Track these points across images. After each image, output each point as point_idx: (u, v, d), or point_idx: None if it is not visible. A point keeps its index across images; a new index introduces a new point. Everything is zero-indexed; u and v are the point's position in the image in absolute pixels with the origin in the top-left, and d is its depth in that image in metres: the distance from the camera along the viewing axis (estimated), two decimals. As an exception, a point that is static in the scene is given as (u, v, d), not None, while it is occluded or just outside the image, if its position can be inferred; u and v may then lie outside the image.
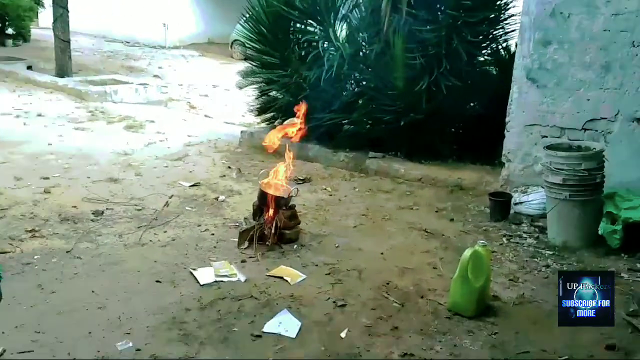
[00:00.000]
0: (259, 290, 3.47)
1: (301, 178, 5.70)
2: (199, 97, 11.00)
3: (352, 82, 6.61)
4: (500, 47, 6.34)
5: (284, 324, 3.11)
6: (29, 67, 11.21)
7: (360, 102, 6.39)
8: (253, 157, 6.56)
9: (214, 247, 4.08)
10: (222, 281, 3.56)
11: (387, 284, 3.63)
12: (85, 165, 5.84)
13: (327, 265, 3.87)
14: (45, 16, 15.60)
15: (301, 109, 4.57)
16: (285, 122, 4.70)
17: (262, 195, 4.28)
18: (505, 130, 5.16)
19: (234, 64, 13.67)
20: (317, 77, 6.17)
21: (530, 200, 4.82)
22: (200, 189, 5.33)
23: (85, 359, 2.77)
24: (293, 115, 4.74)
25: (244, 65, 7.55)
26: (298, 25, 6.76)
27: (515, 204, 4.89)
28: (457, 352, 2.97)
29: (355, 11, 6.43)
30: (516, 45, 5.18)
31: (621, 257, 4.08)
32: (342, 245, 4.22)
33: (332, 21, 6.39)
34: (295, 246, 4.14)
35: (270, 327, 3.09)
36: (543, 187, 4.53)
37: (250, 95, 7.66)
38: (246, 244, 4.07)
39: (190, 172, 5.89)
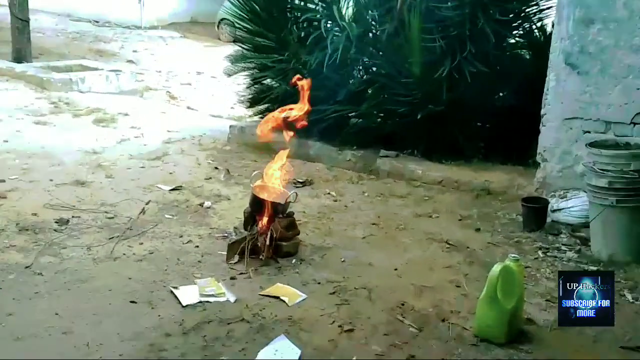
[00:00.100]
0: (251, 312, 3.47)
1: (301, 181, 5.71)
2: (181, 85, 11.02)
3: (360, 68, 6.62)
4: (534, 27, 6.34)
5: (281, 352, 3.10)
6: (-20, 51, 11.24)
7: (369, 91, 6.40)
8: (244, 156, 6.56)
9: (199, 261, 4.08)
10: (208, 302, 3.55)
11: (402, 305, 3.62)
12: (48, 165, 5.85)
13: (331, 283, 3.86)
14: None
15: (304, 83, 4.44)
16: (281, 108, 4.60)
17: (255, 201, 4.28)
18: (541, 125, 5.16)
19: (221, 47, 13.70)
20: (319, 62, 6.18)
21: (570, 206, 4.81)
22: (182, 194, 5.33)
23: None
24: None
25: (233, 49, 7.56)
26: (297, 1, 6.77)
27: (553, 211, 4.88)
28: (485, 385, 2.97)
29: (364, -15, 6.46)
30: (553, 25, 5.19)
31: (677, 273, 4.08)
32: (348, 260, 4.21)
33: (336, -3, 6.41)
34: (293, 261, 4.14)
35: (264, 355, 3.08)
36: (585, 192, 4.52)
37: (240, 83, 7.67)
38: (236, 258, 4.06)
39: (171, 173, 5.89)
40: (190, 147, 6.84)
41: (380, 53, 6.33)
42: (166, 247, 4.26)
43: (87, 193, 5.19)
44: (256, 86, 7.23)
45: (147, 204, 4.98)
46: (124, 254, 4.12)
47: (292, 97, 4.80)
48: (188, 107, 9.36)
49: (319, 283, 3.86)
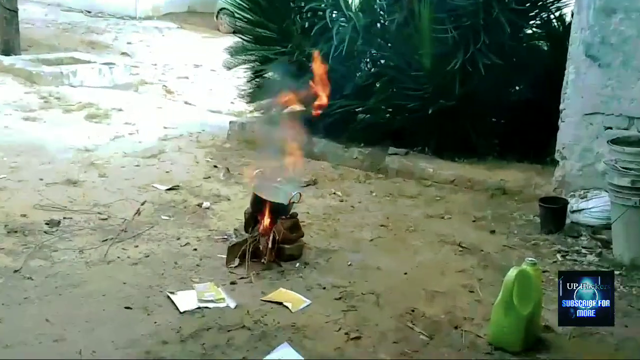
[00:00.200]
0: (252, 318, 3.47)
1: (305, 180, 5.71)
2: (177, 79, 11.03)
3: (368, 60, 6.62)
4: (552, 16, 6.34)
5: (284, 361, 3.11)
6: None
7: (377, 85, 6.41)
8: (245, 153, 6.57)
9: (197, 265, 4.09)
10: (206, 307, 3.56)
11: (412, 311, 3.62)
12: (38, 164, 5.87)
13: (337, 288, 3.87)
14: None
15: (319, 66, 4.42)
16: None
17: (257, 201, 4.29)
18: (560, 121, 5.16)
19: (220, 39, 13.71)
20: (324, 54, 6.18)
21: (591, 207, 4.80)
22: (179, 194, 5.35)
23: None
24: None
25: (232, 40, 7.57)
26: (300, -10, 6.78)
27: (572, 212, 4.88)
28: (500, 396, 2.97)
29: (371, -28, 6.46)
30: (572, 15, 5.17)
31: None
32: (355, 263, 4.22)
33: (342, -15, 6.41)
34: (297, 264, 4.15)
35: (267, 364, 3.09)
36: (607, 191, 4.52)
37: (240, 77, 7.68)
38: (236, 261, 4.07)
39: (167, 172, 5.91)
40: (188, 145, 6.85)
41: (389, 44, 6.33)
42: (163, 250, 4.27)
43: (79, 193, 5.20)
44: (257, 80, 7.23)
45: (142, 204, 4.99)
46: (118, 257, 4.13)
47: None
48: (185, 102, 9.38)
49: (324, 288, 3.86)
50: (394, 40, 6.24)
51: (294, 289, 3.82)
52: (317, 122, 5.68)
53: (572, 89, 5.05)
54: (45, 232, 4.43)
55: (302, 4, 6.83)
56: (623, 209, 4.27)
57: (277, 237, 4.10)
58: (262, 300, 3.68)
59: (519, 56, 6.08)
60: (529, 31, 6.44)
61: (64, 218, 4.66)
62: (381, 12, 6.43)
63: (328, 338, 3.34)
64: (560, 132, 5.17)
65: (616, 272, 4.13)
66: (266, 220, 4.19)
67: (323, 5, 6.58)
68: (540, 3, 6.25)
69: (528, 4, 6.14)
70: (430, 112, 5.91)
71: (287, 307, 3.60)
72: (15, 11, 10.40)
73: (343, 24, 6.32)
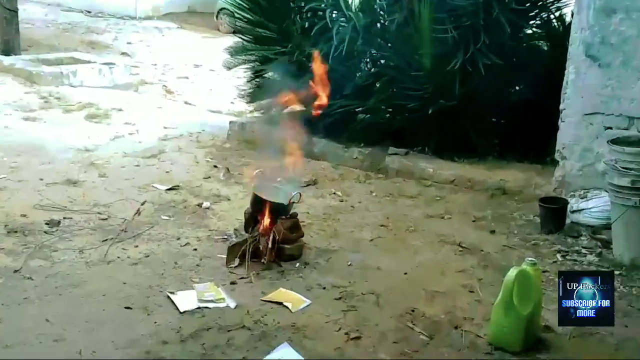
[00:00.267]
0: (252, 318, 3.48)
1: (305, 180, 5.71)
2: (177, 79, 11.03)
3: (368, 60, 6.62)
4: (552, 16, 6.34)
5: (284, 361, 3.12)
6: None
7: (377, 85, 6.41)
8: (244, 153, 6.57)
9: (197, 265, 4.09)
10: (206, 307, 3.56)
11: (412, 311, 3.62)
12: (38, 164, 5.87)
13: (337, 288, 3.87)
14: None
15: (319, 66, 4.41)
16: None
17: (257, 201, 4.29)
18: (560, 121, 5.16)
19: (220, 39, 13.71)
20: (324, 54, 6.18)
21: (591, 207, 4.81)
22: (179, 194, 5.35)
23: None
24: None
25: (232, 40, 7.57)
26: (300, -10, 6.78)
27: (572, 212, 4.88)
28: (500, 396, 2.97)
29: (371, -28, 6.46)
30: (572, 15, 5.17)
31: None
32: (355, 263, 4.22)
33: (342, -15, 6.41)
34: (297, 264, 4.15)
35: (267, 364, 3.09)
36: (607, 191, 4.52)
37: (240, 77, 7.68)
38: (236, 261, 4.08)
39: (167, 172, 5.91)
40: (188, 145, 6.85)
41: (389, 44, 6.33)
42: (163, 250, 4.27)
43: (79, 193, 5.20)
44: (257, 80, 7.23)
45: (142, 204, 4.99)
46: (118, 257, 4.13)
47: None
48: (185, 102, 9.38)
49: (324, 288, 3.87)
50: (394, 41, 6.24)
51: (294, 289, 3.82)
52: (317, 122, 5.68)
53: (572, 89, 5.05)
54: (45, 232, 4.43)
55: (302, 4, 6.82)
56: (623, 209, 4.27)
57: (277, 237, 4.10)
58: (262, 300, 3.68)
59: (519, 56, 6.08)
60: (529, 31, 6.44)
61: (64, 218, 4.66)
62: (381, 12, 6.43)
63: (328, 338, 3.34)
64: (560, 132, 5.17)
65: (616, 272, 4.13)
66: (266, 220, 4.20)
67: (323, 5, 6.58)
68: (540, 3, 6.25)
69: (528, 4, 6.14)
70: (430, 112, 5.91)
71: (287, 307, 3.61)
72: (15, 11, 10.40)
73: (343, 24, 6.33)
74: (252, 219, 4.30)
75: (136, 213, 4.82)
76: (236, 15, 7.25)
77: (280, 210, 4.24)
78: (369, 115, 6.48)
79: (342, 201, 5.40)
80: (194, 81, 11.07)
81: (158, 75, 11.12)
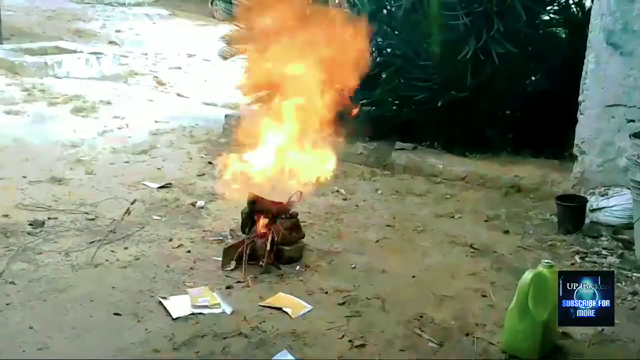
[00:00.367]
0: (249, 325, 3.48)
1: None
2: (170, 70, 11.03)
3: (373, 49, 6.61)
4: (570, 1, 6.33)
5: (284, 370, 3.12)
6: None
7: (383, 75, 6.40)
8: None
9: (191, 268, 4.09)
10: (201, 313, 3.56)
11: (421, 317, 3.63)
12: (20, 160, 5.88)
13: (340, 292, 3.87)
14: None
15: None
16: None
17: (254, 201, 4.29)
18: (579, 113, 5.15)
19: (215, 26, 13.71)
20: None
21: (612, 205, 4.81)
22: (171, 192, 5.36)
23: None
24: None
25: (229, 28, 7.57)
26: (300, -27, 6.77)
27: (592, 210, 4.88)
28: (515, 407, 2.98)
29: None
30: (592, 0, 5.16)
31: None
32: (360, 266, 4.22)
33: (345, -32, 6.42)
34: (297, 267, 4.15)
35: (265, 374, 3.11)
36: (629, 189, 4.52)
37: (237, 67, 7.67)
38: (233, 264, 4.08)
39: (159, 169, 5.92)
40: (181, 139, 6.85)
41: (396, 32, 6.33)
42: (154, 252, 4.28)
43: (64, 191, 5.21)
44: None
45: (132, 203, 5.00)
46: (107, 260, 4.13)
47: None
48: (178, 94, 9.38)
49: (326, 292, 3.87)
50: (401, 28, 6.24)
51: (294, 293, 3.82)
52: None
53: (592, 79, 5.04)
54: (28, 233, 4.44)
55: (304, -11, 6.82)
56: (646, 208, 4.27)
57: (275, 238, 4.11)
58: (260, 305, 3.68)
59: (535, 44, 6.07)
60: (546, 17, 6.43)
61: (49, 218, 4.67)
62: (387, -2, 6.43)
63: (330, 346, 3.34)
64: (579, 126, 5.16)
65: (637, 275, 4.15)
66: (264, 221, 4.20)
67: (326, -9, 6.58)
68: (558, -13, 6.25)
69: (545, -12, 6.15)
70: (439, 104, 5.91)
71: (286, 313, 3.61)
72: (-3, -3, 10.41)
73: (347, 10, 6.32)
74: (249, 219, 4.30)
75: (125, 213, 4.83)
76: (232, 1, 7.24)
77: (279, 210, 4.24)
78: (374, 108, 6.48)
79: (345, 200, 5.41)
80: (187, 72, 11.07)
81: (149, 66, 11.12)
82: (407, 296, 3.85)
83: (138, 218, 4.79)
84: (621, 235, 4.66)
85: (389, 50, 6.50)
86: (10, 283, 3.78)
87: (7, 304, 3.57)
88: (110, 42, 12.75)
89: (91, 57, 9.84)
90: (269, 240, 4.09)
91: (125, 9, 17.14)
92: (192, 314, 3.56)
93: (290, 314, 3.60)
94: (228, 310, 3.61)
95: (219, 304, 3.66)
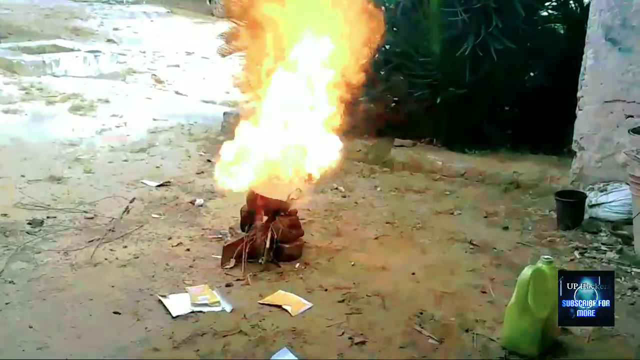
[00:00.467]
0: (249, 323, 3.48)
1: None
2: (168, 68, 11.02)
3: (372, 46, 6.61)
4: (569, -3, 6.34)
5: (284, 368, 3.12)
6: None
7: (382, 72, 6.40)
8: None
9: (190, 266, 4.10)
10: (200, 312, 3.57)
11: (421, 313, 3.63)
12: (19, 159, 5.88)
13: (339, 289, 3.87)
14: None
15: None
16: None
17: (253, 198, 4.29)
18: (577, 109, 5.15)
19: (213, 24, 13.69)
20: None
21: (611, 201, 4.81)
22: (170, 190, 5.36)
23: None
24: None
25: (227, 26, 7.56)
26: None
27: (591, 206, 4.88)
28: (515, 403, 2.98)
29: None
30: (590, -5, 5.17)
31: None
32: (359, 264, 4.22)
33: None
34: (297, 265, 4.15)
35: (265, 371, 3.11)
36: (628, 184, 4.52)
37: (236, 65, 7.66)
38: (232, 262, 4.08)
39: (158, 167, 5.92)
40: (180, 137, 6.85)
41: (395, 29, 6.32)
42: (153, 251, 4.28)
43: (63, 190, 5.21)
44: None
45: (131, 202, 5.00)
46: (106, 259, 4.14)
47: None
48: (176, 92, 9.38)
49: (326, 290, 3.87)
50: (401, 25, 6.23)
51: (293, 291, 3.82)
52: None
53: (591, 74, 5.04)
54: (27, 232, 4.44)
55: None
56: (645, 203, 4.28)
57: (275, 236, 4.11)
58: (259, 303, 3.68)
59: (534, 40, 6.07)
60: (545, 13, 6.43)
61: (48, 217, 4.67)
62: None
63: (330, 343, 3.34)
64: (577, 121, 5.16)
65: (637, 270, 4.15)
66: (264, 218, 4.20)
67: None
68: (557, -17, 6.25)
69: (543, -16, 6.15)
70: (438, 100, 5.91)
71: (286, 311, 3.61)
72: (-6, -4, 10.39)
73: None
74: (248, 217, 4.30)
75: (124, 211, 4.83)
76: (232, -1, 7.24)
77: (278, 207, 4.24)
78: (373, 105, 6.47)
79: (344, 197, 5.41)
80: (185, 70, 11.05)
81: (147, 64, 11.10)
82: (406, 293, 3.85)
83: (137, 216, 4.79)
84: (620, 231, 4.66)
85: (387, 47, 6.48)
86: (10, 282, 3.78)
87: (7, 304, 3.57)
88: (108, 40, 12.72)
89: (89, 55, 9.84)
90: (269, 238, 4.09)
91: (123, 7, 17.06)
92: (192, 312, 3.56)
93: (290, 311, 3.61)
94: (228, 308, 3.61)
95: (218, 302, 3.66)
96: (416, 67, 6.02)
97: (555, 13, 6.47)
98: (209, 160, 6.11)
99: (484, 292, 3.89)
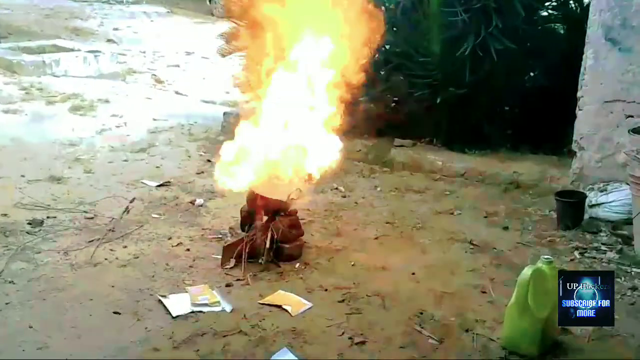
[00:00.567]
0: (249, 323, 3.48)
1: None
2: (168, 68, 11.02)
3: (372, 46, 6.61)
4: (569, -3, 6.34)
5: (284, 368, 3.12)
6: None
7: (382, 72, 6.40)
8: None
9: (190, 266, 4.10)
10: (200, 312, 3.57)
11: (421, 313, 3.63)
12: (19, 159, 5.88)
13: (339, 289, 3.87)
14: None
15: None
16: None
17: (253, 198, 4.29)
18: (577, 109, 5.15)
19: (213, 24, 13.70)
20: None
21: (611, 201, 4.81)
22: (170, 190, 5.36)
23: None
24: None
25: (227, 26, 7.56)
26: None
27: (591, 206, 4.88)
28: (515, 403, 2.98)
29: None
30: (590, -5, 5.17)
31: None
32: (359, 264, 4.22)
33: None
34: (297, 265, 4.15)
35: (265, 371, 3.11)
36: (628, 184, 4.52)
37: (236, 65, 7.66)
38: (232, 262, 4.08)
39: (158, 167, 5.92)
40: (180, 137, 6.85)
41: (395, 29, 6.32)
42: (153, 251, 4.28)
43: (63, 190, 5.21)
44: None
45: (131, 202, 5.00)
46: (106, 259, 4.14)
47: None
48: (176, 92, 9.38)
49: (326, 290, 3.87)
50: (401, 25, 6.23)
51: (293, 291, 3.82)
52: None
53: (591, 75, 5.04)
54: (27, 232, 4.44)
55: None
56: (645, 203, 4.27)
57: (275, 236, 4.11)
58: (259, 303, 3.68)
59: (534, 40, 6.07)
60: (545, 13, 6.43)
61: (48, 217, 4.67)
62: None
63: (330, 343, 3.34)
64: (577, 121, 5.16)
65: (637, 270, 4.15)
66: (264, 218, 4.20)
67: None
68: (557, -17, 6.25)
69: (543, -16, 6.15)
70: (438, 100, 5.91)
71: (286, 311, 3.61)
72: (-7, -4, 10.39)
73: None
74: (248, 217, 4.30)
75: (124, 211, 4.83)
76: (231, -2, 7.24)
77: (278, 207, 4.24)
78: (373, 105, 6.47)
79: (344, 197, 5.41)
80: (185, 70, 11.05)
81: (147, 64, 11.11)
82: (406, 293, 3.85)
83: (137, 217, 4.79)
84: (620, 231, 4.66)
85: (387, 47, 6.48)
86: (10, 282, 3.78)
87: (7, 304, 3.57)
88: (108, 40, 12.72)
89: (89, 55, 9.84)
90: (269, 238, 4.09)
91: (123, 7, 17.06)
92: (192, 312, 3.56)
93: (290, 311, 3.61)
94: (228, 308, 3.61)
95: (218, 302, 3.66)
96: (416, 67, 6.02)
97: (555, 13, 6.48)
98: (209, 160, 6.11)
99: (484, 292, 3.89)
